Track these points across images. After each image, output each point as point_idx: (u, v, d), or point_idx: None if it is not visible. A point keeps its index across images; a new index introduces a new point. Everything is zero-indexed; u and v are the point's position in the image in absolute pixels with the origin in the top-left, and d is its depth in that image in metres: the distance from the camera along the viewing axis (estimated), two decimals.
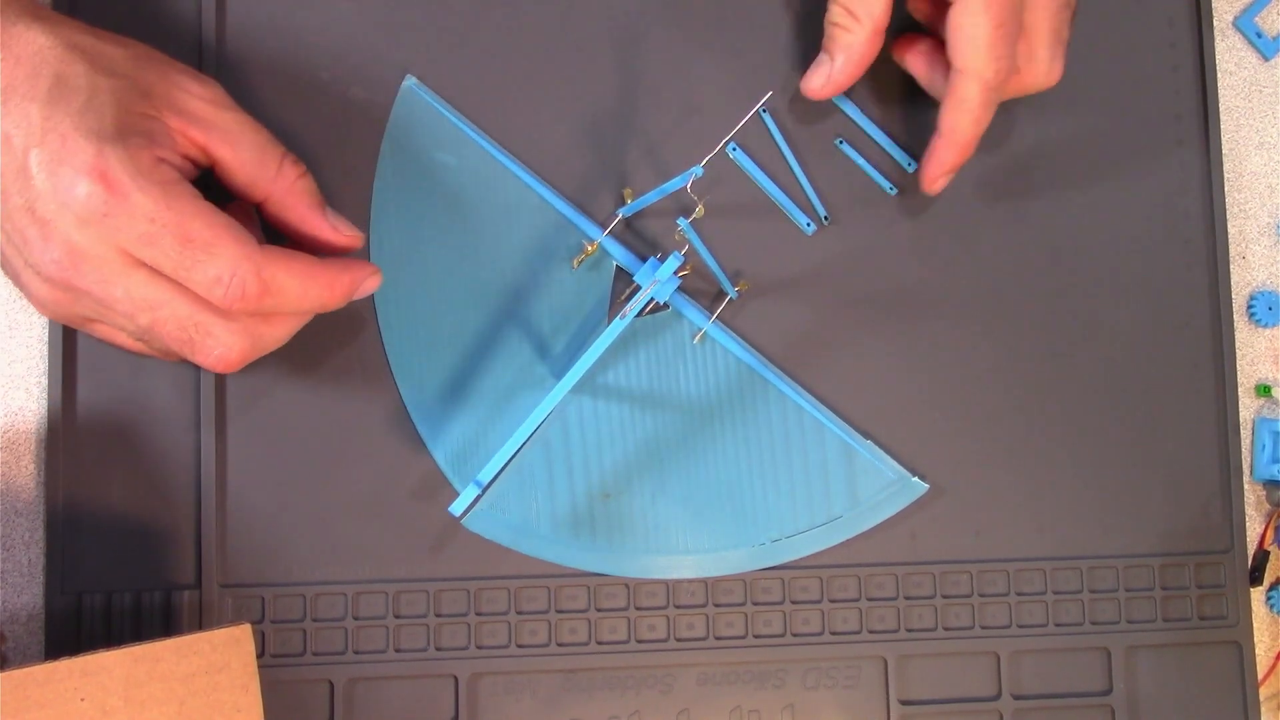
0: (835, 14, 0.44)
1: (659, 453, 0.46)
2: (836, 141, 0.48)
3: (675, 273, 0.43)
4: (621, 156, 0.47)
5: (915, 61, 0.46)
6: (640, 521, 0.46)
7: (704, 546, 0.46)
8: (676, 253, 0.43)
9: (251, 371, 0.45)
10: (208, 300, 0.37)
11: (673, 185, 0.42)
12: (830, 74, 0.44)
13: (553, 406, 0.42)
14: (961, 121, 0.43)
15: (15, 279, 0.38)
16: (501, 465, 0.42)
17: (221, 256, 0.36)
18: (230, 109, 0.39)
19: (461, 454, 0.45)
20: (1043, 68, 0.43)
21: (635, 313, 0.43)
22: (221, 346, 0.38)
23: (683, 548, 0.46)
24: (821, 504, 0.46)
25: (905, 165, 0.48)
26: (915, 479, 0.47)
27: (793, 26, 0.48)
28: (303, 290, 0.38)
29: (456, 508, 0.42)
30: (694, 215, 0.42)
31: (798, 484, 0.46)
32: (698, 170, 0.41)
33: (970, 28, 0.41)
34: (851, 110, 0.48)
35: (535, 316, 0.46)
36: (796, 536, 0.46)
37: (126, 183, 0.35)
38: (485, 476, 0.42)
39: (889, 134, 0.48)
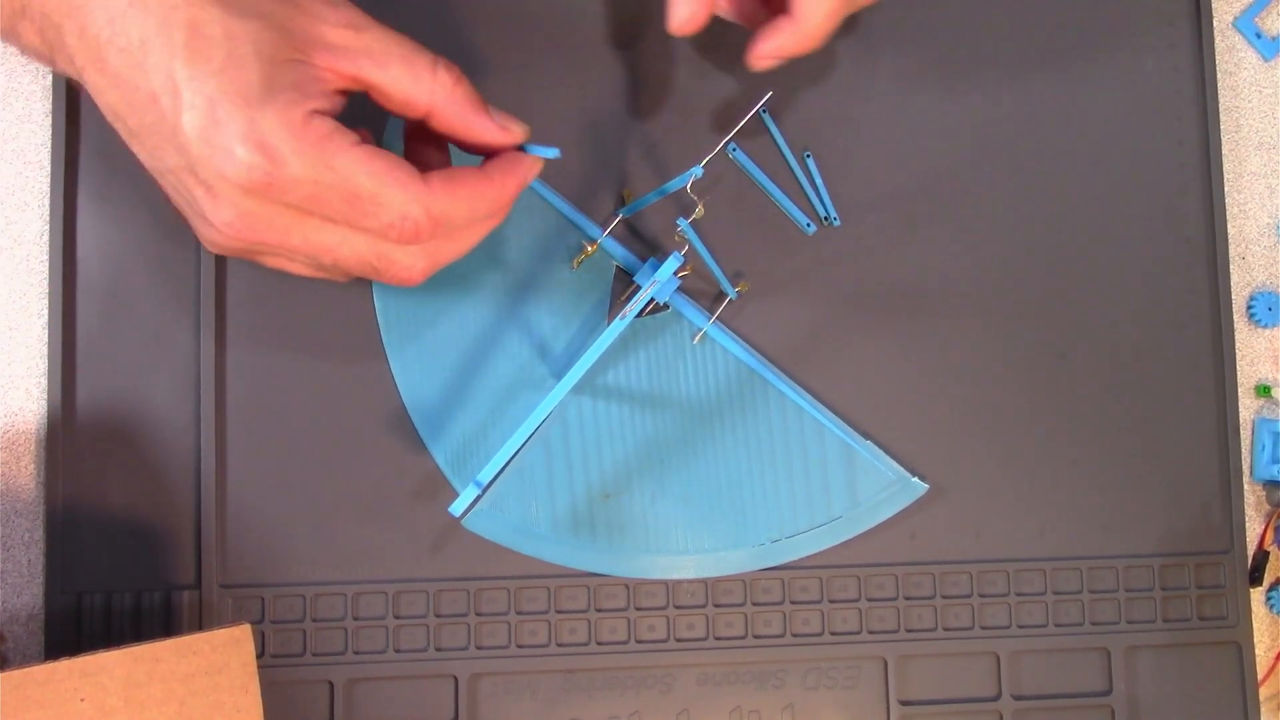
0: None
1: (659, 453, 0.46)
2: (804, 154, 0.48)
3: (675, 273, 0.43)
4: (621, 156, 0.47)
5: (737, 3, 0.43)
6: (640, 521, 0.46)
7: (704, 547, 0.46)
8: (676, 253, 0.43)
9: (252, 372, 0.45)
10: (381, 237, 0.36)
11: (673, 185, 0.42)
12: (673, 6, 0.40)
13: (553, 406, 0.42)
14: (815, 11, 0.39)
15: (185, 219, 0.37)
16: (502, 465, 0.42)
17: (388, 204, 0.35)
18: (369, 28, 0.37)
19: (461, 454, 0.45)
20: None
21: (635, 313, 0.43)
22: (404, 269, 0.37)
23: (683, 548, 0.46)
24: (821, 504, 0.46)
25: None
26: (915, 479, 0.47)
27: None
28: (472, 209, 0.37)
29: (456, 508, 0.42)
30: (694, 215, 0.42)
31: (798, 484, 0.46)
32: (698, 170, 0.41)
33: None
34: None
35: (535, 316, 0.46)
36: (797, 537, 0.46)
37: (284, 151, 0.34)
38: (485, 476, 0.42)
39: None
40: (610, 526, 0.46)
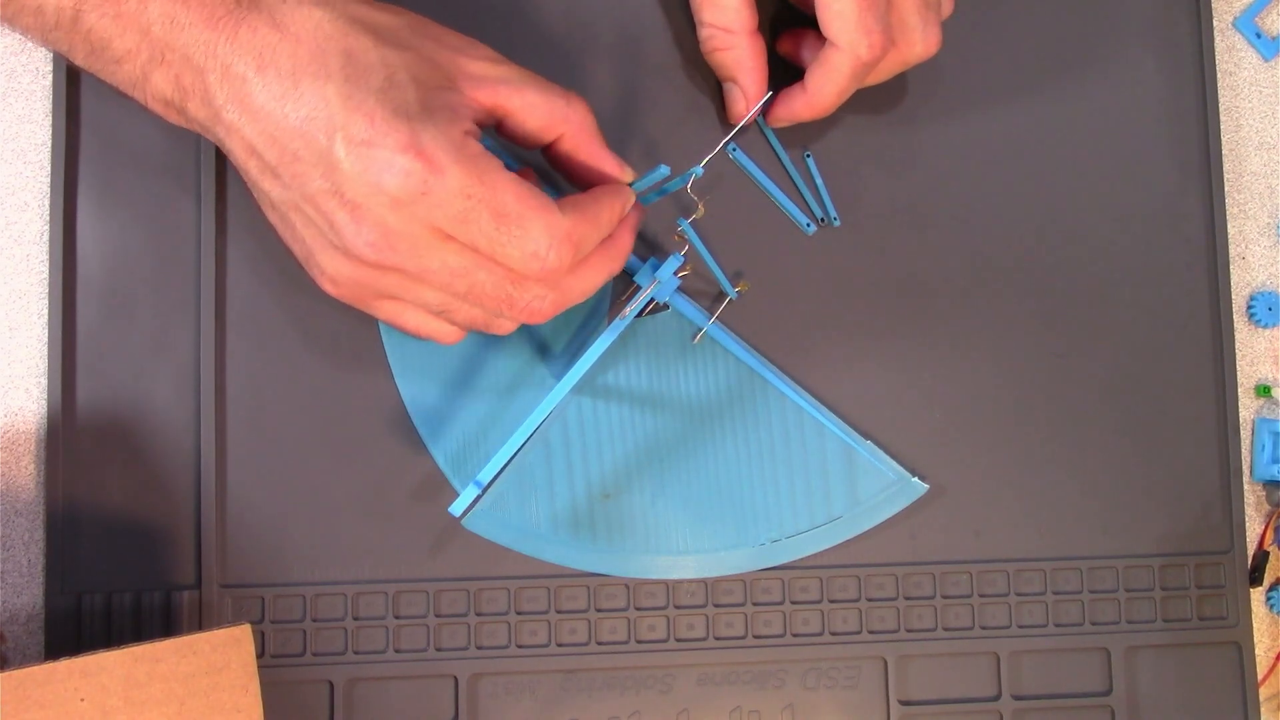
0: (710, 38, 0.44)
1: (659, 453, 0.46)
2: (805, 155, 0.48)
3: (675, 273, 0.43)
4: (622, 156, 0.47)
5: (795, 53, 0.46)
6: (640, 522, 0.46)
7: (704, 547, 0.46)
8: (676, 253, 0.43)
9: (252, 373, 0.45)
10: (519, 272, 0.37)
11: (673, 185, 0.42)
12: (747, 93, 0.44)
13: (553, 407, 0.42)
14: (826, 88, 0.43)
15: (307, 259, 0.38)
16: (502, 465, 0.42)
17: (534, 230, 0.36)
18: (505, 62, 0.39)
19: (461, 454, 0.45)
20: (916, 37, 0.43)
21: (635, 313, 0.43)
22: (536, 301, 0.38)
23: (683, 548, 0.46)
24: (821, 504, 0.46)
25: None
26: (915, 479, 0.47)
27: (792, 26, 0.48)
28: (599, 234, 0.39)
29: (456, 508, 0.42)
30: (694, 215, 0.42)
31: (798, 484, 0.46)
32: (698, 170, 0.41)
33: (837, 3, 0.41)
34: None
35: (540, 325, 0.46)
36: (797, 537, 0.46)
37: (444, 160, 0.35)
38: (485, 477, 0.42)
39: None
40: (610, 526, 0.46)
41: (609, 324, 0.43)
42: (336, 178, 0.35)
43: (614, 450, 0.46)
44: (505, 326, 0.40)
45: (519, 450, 0.42)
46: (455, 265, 0.36)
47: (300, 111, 0.35)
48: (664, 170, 0.40)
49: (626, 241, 0.41)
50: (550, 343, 0.46)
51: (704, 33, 0.45)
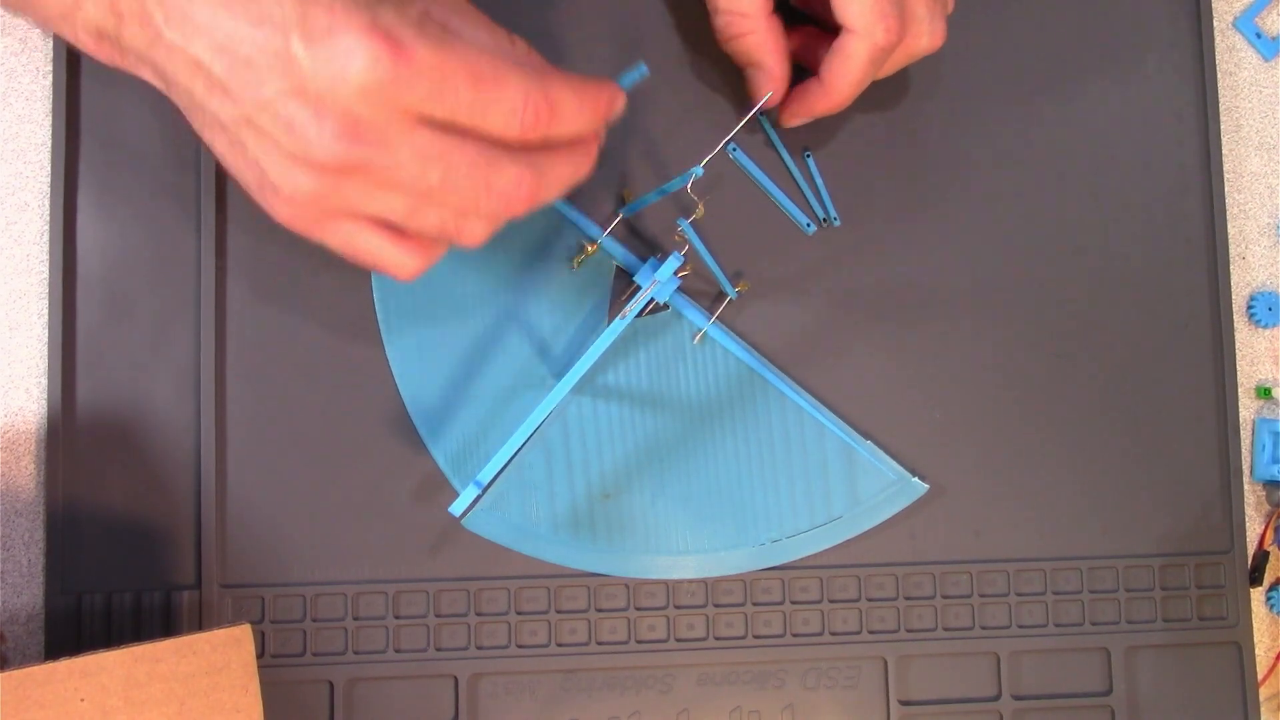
0: (727, 25, 0.43)
1: (659, 453, 0.46)
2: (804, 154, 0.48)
3: (675, 273, 0.43)
4: (622, 156, 0.47)
5: (803, 51, 0.45)
6: (640, 521, 0.46)
7: (704, 547, 0.46)
8: (676, 253, 0.43)
9: (252, 372, 0.45)
10: (498, 137, 0.36)
11: (673, 185, 0.42)
12: (771, 75, 0.44)
13: (553, 406, 0.42)
14: (844, 77, 0.43)
15: (260, 182, 0.37)
16: (502, 465, 0.42)
17: (512, 86, 0.35)
18: None
19: (461, 454, 0.45)
20: (924, 28, 0.42)
21: (635, 313, 0.43)
22: (511, 184, 0.36)
23: (683, 548, 0.46)
24: (821, 504, 0.46)
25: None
26: (915, 479, 0.47)
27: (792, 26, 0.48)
28: (579, 107, 0.37)
29: (456, 508, 0.42)
30: (694, 215, 0.42)
31: (797, 484, 0.46)
32: (698, 170, 0.41)
33: None
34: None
35: (535, 316, 0.46)
36: (797, 537, 0.46)
37: (409, 39, 0.34)
38: (485, 476, 0.42)
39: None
40: (610, 526, 0.46)
41: (609, 324, 0.43)
42: (296, 75, 0.34)
43: (614, 450, 0.46)
44: (475, 232, 0.38)
45: (519, 450, 0.42)
46: (429, 149, 0.35)
47: (250, 13, 0.34)
48: (643, 68, 0.39)
49: (604, 102, 0.39)
50: (550, 343, 0.46)
51: (720, 20, 0.44)
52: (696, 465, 0.46)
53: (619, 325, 0.43)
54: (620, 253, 0.46)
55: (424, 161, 0.35)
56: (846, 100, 0.43)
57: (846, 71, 0.42)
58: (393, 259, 0.38)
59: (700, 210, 0.42)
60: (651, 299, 0.43)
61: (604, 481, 0.46)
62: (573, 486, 0.46)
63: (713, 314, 0.46)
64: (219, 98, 0.35)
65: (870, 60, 0.42)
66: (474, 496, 0.42)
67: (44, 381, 0.44)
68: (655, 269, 0.43)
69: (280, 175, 0.36)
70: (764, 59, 0.44)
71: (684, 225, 0.42)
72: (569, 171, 0.38)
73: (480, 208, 0.37)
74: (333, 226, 0.37)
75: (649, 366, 0.46)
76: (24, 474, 0.44)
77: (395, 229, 0.37)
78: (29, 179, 0.45)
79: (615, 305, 0.46)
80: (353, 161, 0.35)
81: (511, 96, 0.35)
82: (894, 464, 0.47)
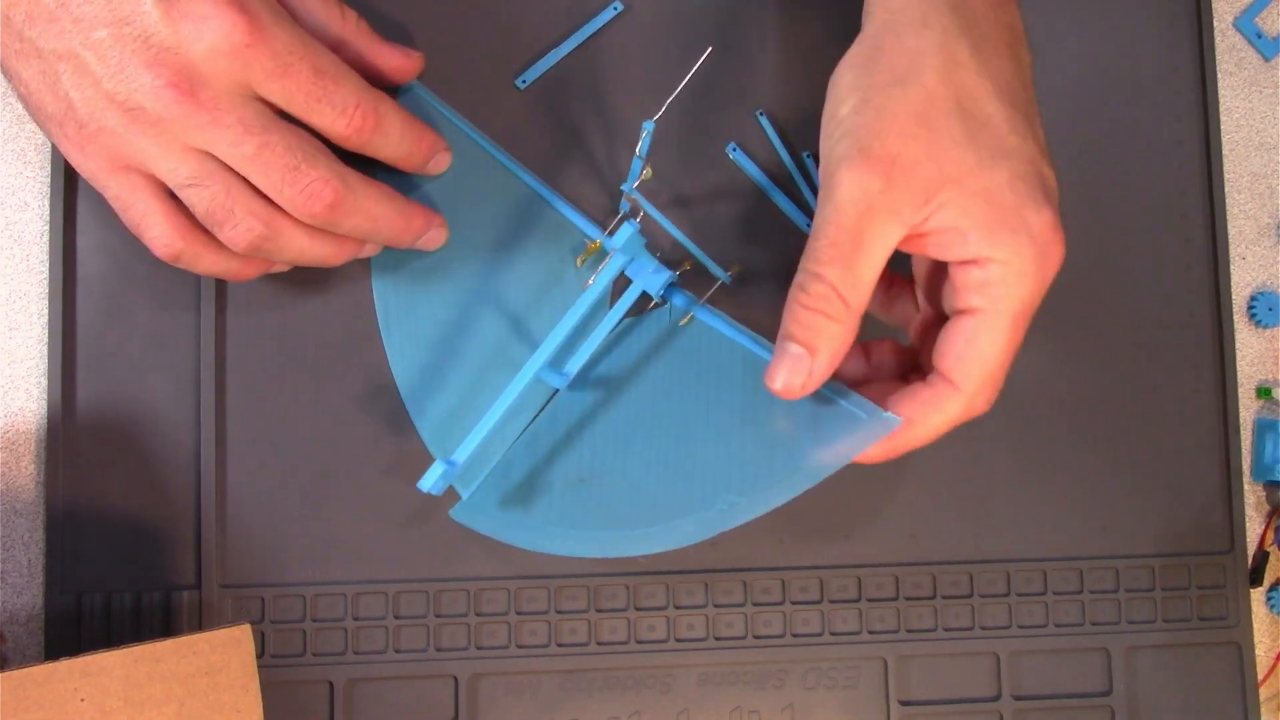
0: (818, 296, 0.36)
1: (630, 430, 0.45)
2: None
3: (675, 272, 0.43)
4: (621, 156, 0.47)
5: (886, 308, 0.43)
6: (613, 500, 0.44)
7: (662, 516, 0.43)
8: (631, 220, 0.42)
9: (252, 372, 0.45)
10: (324, 130, 0.39)
11: (641, 150, 0.40)
12: (813, 372, 0.37)
13: (524, 384, 0.42)
14: (930, 425, 0.38)
15: (63, 115, 0.37)
16: (473, 445, 0.42)
17: (348, 87, 0.38)
18: None
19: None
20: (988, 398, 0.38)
21: (603, 284, 0.43)
22: (318, 183, 0.38)
23: (649, 519, 0.43)
24: (783, 454, 0.42)
25: None
26: (887, 414, 0.40)
27: (792, 26, 0.48)
28: (403, 132, 0.41)
29: (424, 483, 0.41)
30: (640, 179, 0.41)
31: (762, 438, 0.43)
32: (649, 124, 0.40)
33: (987, 346, 0.36)
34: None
35: (537, 322, 0.46)
36: (760, 492, 0.42)
37: (267, 20, 0.36)
38: (459, 456, 0.42)
39: None
40: (588, 509, 0.44)
41: (585, 302, 0.42)
42: (141, 25, 0.36)
43: (588, 434, 0.45)
44: (238, 231, 0.38)
45: (490, 431, 0.42)
46: (254, 121, 0.37)
47: None
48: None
49: (427, 144, 0.42)
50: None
51: (816, 287, 0.37)
52: (664, 438, 0.44)
53: (589, 296, 0.42)
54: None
55: (247, 130, 0.37)
56: (922, 444, 0.39)
57: (933, 421, 0.38)
58: (154, 228, 0.39)
59: (648, 172, 0.41)
60: (643, 293, 0.43)
61: (579, 467, 0.45)
62: (550, 472, 0.44)
63: (702, 297, 0.45)
64: (43, 24, 0.36)
65: (957, 420, 0.38)
66: (440, 471, 0.41)
67: (44, 382, 0.44)
68: (654, 268, 0.43)
69: (89, 112, 0.37)
70: (822, 352, 0.37)
71: (628, 189, 0.41)
72: (386, 202, 0.41)
73: (287, 189, 0.38)
74: (119, 177, 0.38)
75: (625, 347, 0.45)
76: (24, 474, 0.44)
77: (171, 201, 0.38)
78: (29, 179, 0.45)
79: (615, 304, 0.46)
80: (170, 113, 0.36)
81: (346, 96, 0.38)
82: (863, 400, 0.41)
